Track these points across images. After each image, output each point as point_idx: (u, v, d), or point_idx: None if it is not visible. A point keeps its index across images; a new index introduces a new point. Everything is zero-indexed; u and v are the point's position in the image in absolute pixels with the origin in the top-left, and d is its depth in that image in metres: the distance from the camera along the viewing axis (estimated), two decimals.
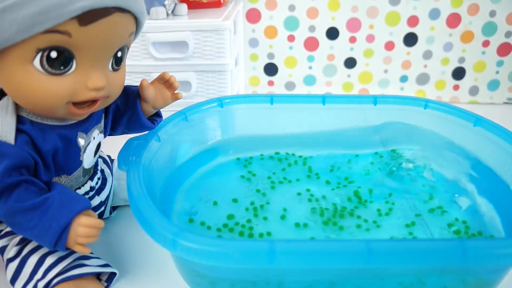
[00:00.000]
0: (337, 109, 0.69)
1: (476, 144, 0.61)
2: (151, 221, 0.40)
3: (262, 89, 1.07)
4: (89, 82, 0.41)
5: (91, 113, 0.46)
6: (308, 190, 0.62)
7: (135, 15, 0.42)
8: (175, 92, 0.55)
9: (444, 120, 0.65)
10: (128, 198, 0.45)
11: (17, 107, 0.43)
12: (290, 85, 1.06)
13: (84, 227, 0.42)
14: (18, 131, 0.42)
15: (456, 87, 1.03)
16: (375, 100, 0.68)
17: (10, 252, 0.46)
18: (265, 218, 0.57)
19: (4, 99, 0.43)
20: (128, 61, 0.79)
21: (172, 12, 0.81)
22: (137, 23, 0.44)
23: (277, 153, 0.71)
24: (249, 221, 0.56)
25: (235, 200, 0.60)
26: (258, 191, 0.63)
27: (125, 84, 0.49)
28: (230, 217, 0.57)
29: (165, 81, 0.54)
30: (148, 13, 0.78)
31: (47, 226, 0.41)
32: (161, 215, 0.41)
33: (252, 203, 0.59)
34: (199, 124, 0.65)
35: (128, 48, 0.45)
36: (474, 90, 1.02)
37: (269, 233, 0.54)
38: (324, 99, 0.68)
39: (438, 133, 0.67)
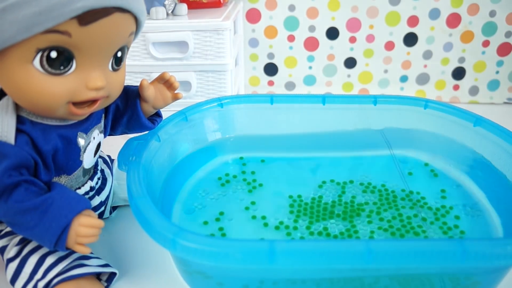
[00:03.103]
0: (337, 109, 0.69)
1: (476, 144, 0.61)
2: (151, 221, 0.40)
3: (262, 89, 1.07)
4: (89, 82, 0.41)
5: (91, 113, 0.46)
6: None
7: (135, 15, 0.42)
8: (175, 92, 0.55)
9: (444, 120, 0.65)
10: (128, 198, 0.45)
11: (17, 107, 0.43)
12: (290, 85, 1.06)
13: (84, 227, 0.42)
14: (18, 131, 0.42)
15: (456, 87, 1.03)
16: (375, 100, 0.68)
17: (10, 252, 0.46)
18: (263, 217, 0.57)
19: (4, 99, 0.43)
20: (128, 61, 0.79)
21: (172, 12, 0.81)
22: (137, 23, 0.44)
23: (277, 152, 0.71)
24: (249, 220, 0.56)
25: (231, 198, 0.60)
26: (253, 189, 0.63)
27: (125, 84, 0.49)
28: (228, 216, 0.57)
29: (165, 81, 0.54)
30: (148, 13, 0.78)
31: (47, 226, 0.41)
32: (161, 215, 0.41)
33: (253, 203, 0.60)
34: (199, 124, 0.65)
35: (128, 48, 0.45)
36: (474, 90, 1.02)
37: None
38: (324, 99, 0.68)
39: (438, 133, 0.67)
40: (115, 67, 0.44)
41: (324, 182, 0.64)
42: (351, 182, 0.64)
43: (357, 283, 0.44)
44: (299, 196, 0.61)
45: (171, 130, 0.59)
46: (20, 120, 0.43)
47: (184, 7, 0.81)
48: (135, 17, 0.43)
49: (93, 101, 0.43)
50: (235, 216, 0.57)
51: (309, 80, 1.05)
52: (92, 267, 0.47)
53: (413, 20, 0.97)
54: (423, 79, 1.02)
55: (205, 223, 0.56)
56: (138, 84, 0.53)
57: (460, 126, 0.63)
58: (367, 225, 0.55)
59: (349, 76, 1.04)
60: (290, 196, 0.61)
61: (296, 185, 0.63)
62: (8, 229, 0.48)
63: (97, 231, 0.42)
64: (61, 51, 0.38)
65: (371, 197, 0.61)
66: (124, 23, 0.41)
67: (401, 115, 0.69)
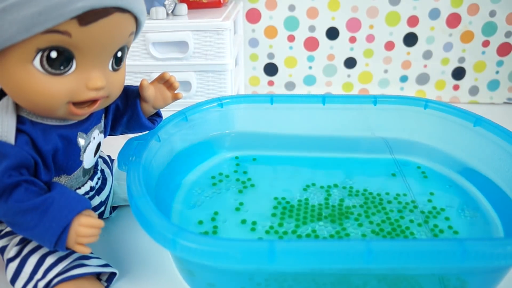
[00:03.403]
0: (337, 109, 0.69)
1: (476, 144, 0.61)
2: (151, 221, 0.40)
3: (262, 89, 1.07)
4: (89, 82, 0.41)
5: (91, 113, 0.46)
6: (306, 188, 0.63)
7: (135, 15, 0.42)
8: (175, 92, 0.55)
9: (444, 120, 0.65)
10: (128, 198, 0.45)
11: (17, 107, 0.43)
12: (290, 85, 1.06)
13: (84, 227, 0.42)
14: (18, 131, 0.42)
15: (456, 87, 1.03)
16: (375, 100, 0.68)
17: (10, 252, 0.46)
18: (253, 223, 0.57)
19: (4, 99, 0.43)
20: (128, 61, 0.79)
21: (172, 12, 0.81)
22: (137, 23, 0.44)
23: (276, 153, 0.71)
24: (243, 222, 0.56)
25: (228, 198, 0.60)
26: (253, 185, 0.63)
27: (125, 84, 0.49)
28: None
29: (165, 81, 0.54)
30: (148, 13, 0.78)
31: (47, 226, 0.41)
32: (161, 214, 0.41)
33: (241, 204, 0.60)
34: (199, 124, 0.65)
35: (128, 48, 0.45)
36: (474, 90, 1.02)
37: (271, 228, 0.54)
38: (324, 99, 0.68)
39: (438, 134, 0.67)
40: (115, 67, 0.44)
41: (308, 186, 0.64)
42: (351, 187, 0.64)
43: (346, 284, 0.44)
44: (285, 200, 0.61)
45: (171, 130, 0.59)
46: (20, 120, 0.43)
47: (184, 7, 0.81)
48: (136, 17, 0.43)
49: (93, 101, 0.43)
50: (228, 218, 0.57)
51: (309, 80, 1.05)
52: (92, 267, 0.47)
53: (413, 20, 0.97)
54: (423, 79, 1.02)
55: (200, 222, 0.56)
56: (138, 84, 0.53)
57: (460, 126, 0.63)
58: (357, 228, 0.56)
59: (349, 76, 1.04)
60: (283, 198, 0.61)
61: (293, 185, 0.63)
62: (8, 229, 0.48)
63: (97, 231, 0.42)
64: (61, 51, 0.38)
65: (364, 199, 0.61)
66: (124, 23, 0.41)
67: (401, 115, 0.69)
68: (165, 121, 0.59)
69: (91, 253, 0.47)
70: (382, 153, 0.70)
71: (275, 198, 0.61)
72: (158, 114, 0.57)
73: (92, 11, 0.37)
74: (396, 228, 0.55)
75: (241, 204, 0.60)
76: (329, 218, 0.57)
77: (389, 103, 0.68)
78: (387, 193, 0.62)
